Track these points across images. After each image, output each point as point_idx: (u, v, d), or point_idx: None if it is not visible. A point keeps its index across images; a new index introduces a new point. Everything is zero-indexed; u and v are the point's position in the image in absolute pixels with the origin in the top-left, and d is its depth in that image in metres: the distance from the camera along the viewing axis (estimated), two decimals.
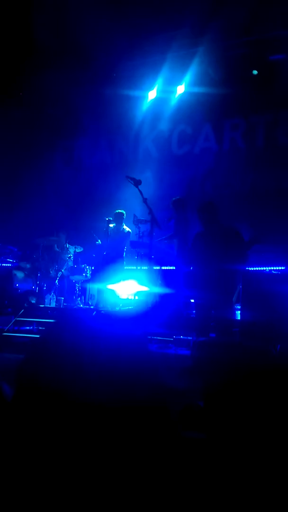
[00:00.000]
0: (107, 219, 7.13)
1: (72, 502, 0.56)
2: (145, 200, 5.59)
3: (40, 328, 6.08)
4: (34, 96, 8.80)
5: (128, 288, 6.87)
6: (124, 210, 7.21)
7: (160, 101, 8.72)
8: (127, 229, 7.14)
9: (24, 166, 9.24)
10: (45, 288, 7.30)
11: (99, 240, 7.40)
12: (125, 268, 7.11)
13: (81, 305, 7.32)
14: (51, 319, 6.06)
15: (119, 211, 7.21)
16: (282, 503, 0.82)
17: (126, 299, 6.93)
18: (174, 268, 6.33)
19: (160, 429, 0.62)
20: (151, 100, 8.76)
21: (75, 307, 7.20)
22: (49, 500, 0.56)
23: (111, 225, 7.14)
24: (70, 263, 7.60)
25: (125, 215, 7.18)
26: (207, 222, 4.96)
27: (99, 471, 0.57)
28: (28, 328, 6.20)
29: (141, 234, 6.61)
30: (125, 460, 0.58)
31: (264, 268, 6.57)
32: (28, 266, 7.58)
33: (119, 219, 7.15)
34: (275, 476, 0.87)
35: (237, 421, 1.02)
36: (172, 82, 8.43)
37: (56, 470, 0.57)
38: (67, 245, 7.64)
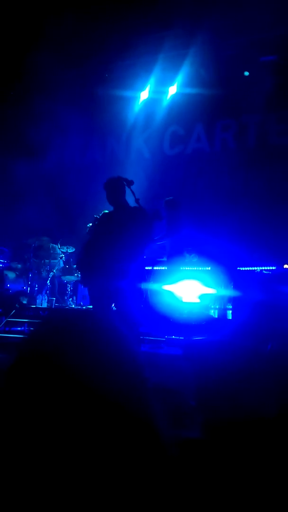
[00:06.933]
0: (95, 216, 7.10)
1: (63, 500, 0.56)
2: (137, 201, 5.56)
3: (30, 328, 6.06)
4: (26, 95, 8.75)
5: None
6: None
7: (152, 102, 8.72)
8: None
9: (14, 165, 9.17)
10: (36, 288, 7.26)
11: None
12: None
13: (73, 305, 7.29)
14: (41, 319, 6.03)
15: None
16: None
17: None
18: (166, 268, 6.32)
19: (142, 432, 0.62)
20: (143, 100, 8.76)
21: (66, 307, 7.17)
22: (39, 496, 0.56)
23: None
24: (62, 264, 7.57)
25: None
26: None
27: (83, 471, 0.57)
28: (19, 329, 6.18)
29: None
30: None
31: (255, 268, 6.59)
32: (19, 266, 7.53)
33: None
34: (271, 477, 0.87)
35: (230, 420, 1.02)
36: (164, 83, 8.44)
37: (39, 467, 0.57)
38: (59, 245, 7.60)
